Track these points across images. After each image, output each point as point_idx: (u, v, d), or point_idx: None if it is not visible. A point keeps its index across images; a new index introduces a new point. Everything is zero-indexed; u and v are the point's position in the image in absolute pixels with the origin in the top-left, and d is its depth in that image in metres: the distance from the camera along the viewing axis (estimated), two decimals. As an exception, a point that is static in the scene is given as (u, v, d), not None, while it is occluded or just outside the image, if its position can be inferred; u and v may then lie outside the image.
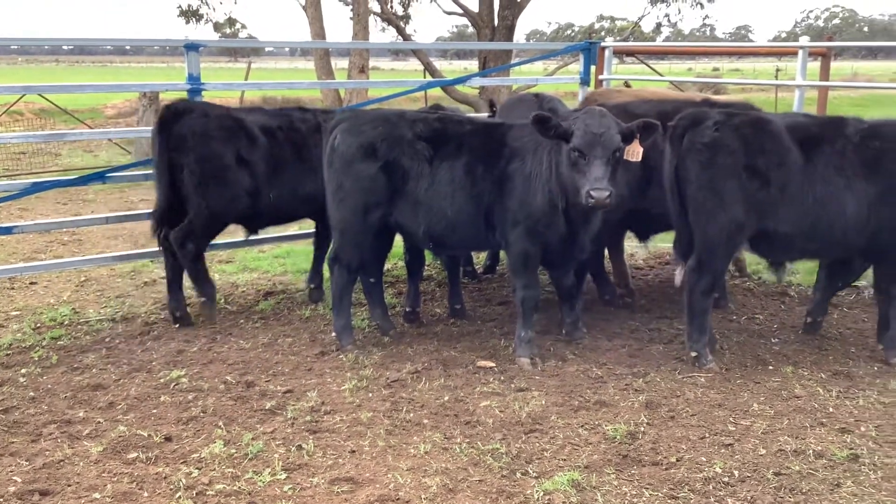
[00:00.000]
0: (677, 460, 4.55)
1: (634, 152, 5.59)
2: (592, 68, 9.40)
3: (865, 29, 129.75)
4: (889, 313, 5.94)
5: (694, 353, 5.89)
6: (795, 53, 8.77)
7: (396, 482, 4.31)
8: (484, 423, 5.02)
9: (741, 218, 5.68)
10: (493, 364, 5.94)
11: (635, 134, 5.54)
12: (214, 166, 6.57)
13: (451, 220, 5.96)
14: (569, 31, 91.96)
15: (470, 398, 5.38)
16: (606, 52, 9.24)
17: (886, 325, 5.97)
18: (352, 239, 6.10)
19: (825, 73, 10.73)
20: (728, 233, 5.71)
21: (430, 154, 5.91)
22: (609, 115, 5.54)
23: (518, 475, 4.40)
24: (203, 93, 7.54)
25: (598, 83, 9.26)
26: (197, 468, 4.45)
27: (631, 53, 11.98)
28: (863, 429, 4.90)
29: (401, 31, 20.18)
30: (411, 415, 5.12)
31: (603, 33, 51.58)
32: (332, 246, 6.30)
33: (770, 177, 5.62)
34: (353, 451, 4.66)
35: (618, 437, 4.79)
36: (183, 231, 6.61)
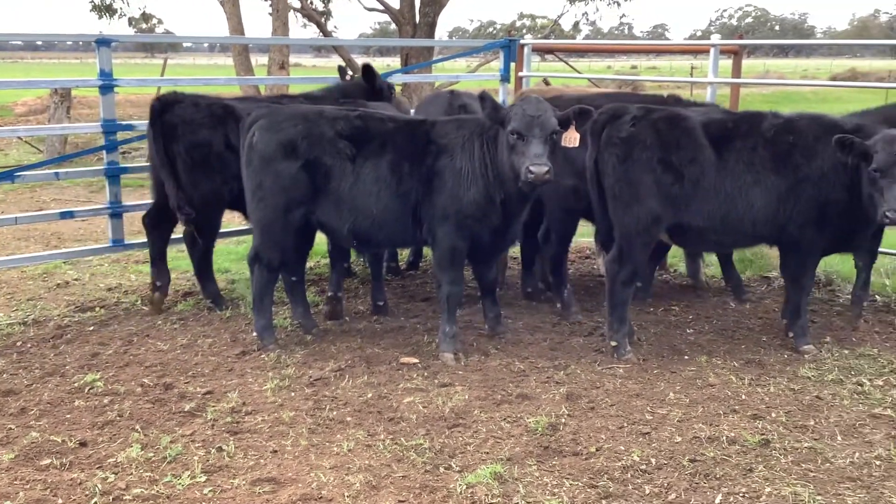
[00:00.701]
0: (597, 450, 4.63)
1: (571, 138, 5.73)
2: (512, 65, 9.47)
3: (777, 27, 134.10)
4: (798, 302, 6.16)
5: (613, 343, 6.02)
6: (708, 51, 8.98)
7: (319, 481, 4.29)
8: (407, 419, 5.02)
9: (657, 210, 5.83)
10: (416, 360, 5.95)
11: (571, 120, 5.67)
12: (204, 153, 6.73)
13: (376, 218, 5.94)
14: (491, 29, 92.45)
15: (393, 395, 5.38)
16: (525, 50, 9.31)
17: (796, 313, 6.18)
18: (272, 238, 6.03)
19: (737, 71, 11.04)
20: (644, 225, 5.86)
21: (352, 152, 5.88)
22: (545, 101, 5.65)
23: (441, 469, 4.42)
24: (116, 89, 7.40)
25: (518, 80, 9.34)
26: (113, 473, 4.35)
27: (550, 51, 12.12)
28: (774, 415, 5.07)
29: (321, 27, 20.05)
30: (334, 413, 5.09)
31: (524, 31, 52.06)
32: (252, 245, 6.21)
33: (683, 171, 5.78)
34: (275, 451, 4.61)
35: (539, 429, 4.85)
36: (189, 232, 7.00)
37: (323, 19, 22.11)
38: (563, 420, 5.00)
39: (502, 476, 4.32)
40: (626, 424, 4.95)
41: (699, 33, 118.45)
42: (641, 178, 5.82)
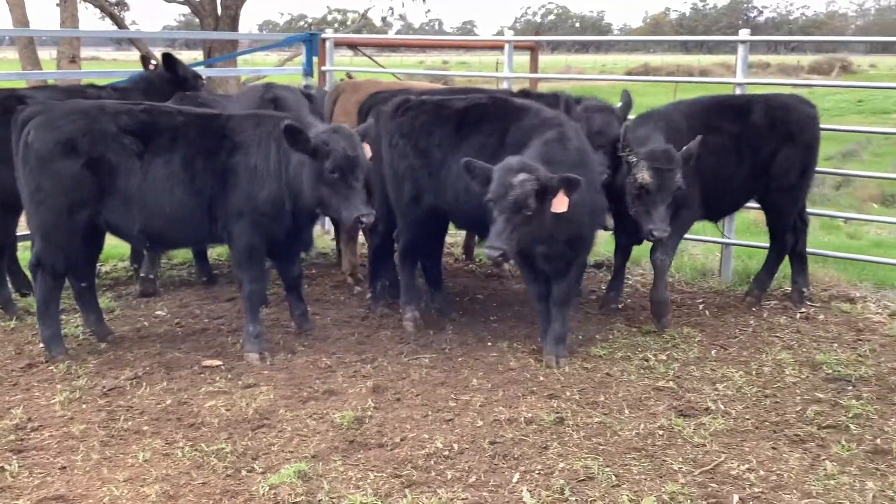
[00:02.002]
0: (402, 440, 4.69)
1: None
2: (315, 59, 9.41)
3: (577, 24, 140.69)
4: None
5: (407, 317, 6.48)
6: (507, 47, 9.27)
7: (112, 495, 4.08)
8: (209, 423, 4.88)
9: (413, 193, 6.30)
10: (219, 362, 5.79)
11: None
12: None
13: (169, 217, 5.70)
14: (301, 23, 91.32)
15: (194, 399, 5.21)
16: (328, 44, 9.28)
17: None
18: (56, 242, 5.63)
19: (534, 66, 11.52)
20: (405, 205, 6.37)
21: (139, 148, 5.59)
22: (356, 136, 5.65)
23: (244, 473, 4.33)
24: None
25: (321, 75, 9.29)
26: None
27: (352, 45, 12.14)
28: (568, 393, 5.33)
29: (115, 19, 19.02)
30: (129, 423, 4.86)
31: (336, 25, 51.76)
32: (32, 251, 5.79)
33: (431, 158, 6.18)
34: (64, 468, 4.35)
35: (345, 423, 4.85)
36: None
37: (118, 10, 20.99)
38: (370, 413, 5.02)
39: (306, 474, 4.29)
40: (430, 413, 5.04)
41: (505, 29, 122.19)
42: (401, 164, 6.28)
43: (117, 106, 5.78)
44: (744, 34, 7.36)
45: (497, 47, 10.02)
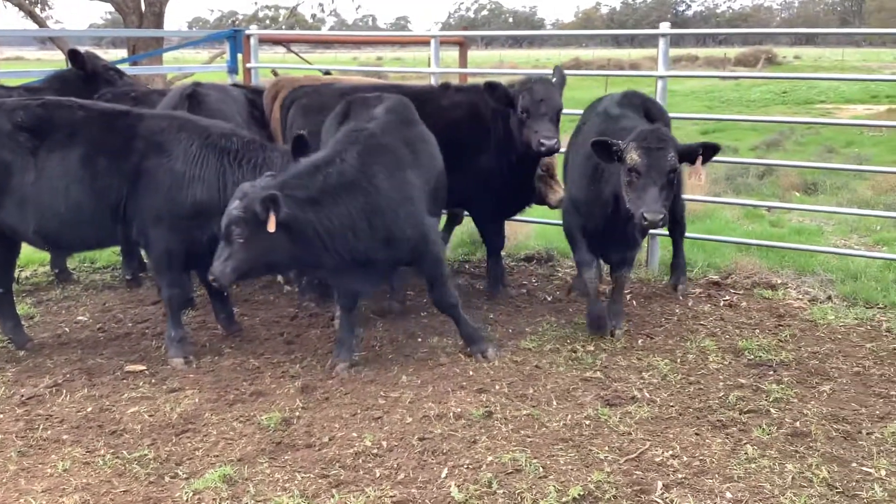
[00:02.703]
0: (330, 440, 4.66)
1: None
2: (240, 56, 9.27)
3: (510, 20, 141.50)
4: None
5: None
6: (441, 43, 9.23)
7: (29, 507, 3.97)
8: (131, 430, 4.78)
9: None
10: (143, 367, 5.67)
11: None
12: None
13: (66, 218, 5.48)
14: (233, 19, 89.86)
15: (117, 406, 5.09)
16: (252, 40, 9.14)
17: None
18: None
19: (463, 61, 11.52)
20: None
21: (33, 145, 5.38)
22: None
23: (167, 479, 4.25)
24: None
25: (247, 72, 9.15)
26: None
27: (277, 42, 12.00)
28: (497, 387, 5.35)
29: (35, 18, 18.44)
30: (49, 432, 4.73)
31: (268, 21, 51.07)
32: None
33: None
34: (-21, 481, 4.21)
35: (272, 425, 4.80)
36: None
37: (39, 9, 20.39)
38: (298, 414, 4.98)
39: (232, 478, 4.23)
40: (359, 411, 5.01)
41: (440, 25, 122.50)
42: None
43: (14, 103, 5.57)
44: (664, 28, 7.47)
45: (424, 43, 9.97)
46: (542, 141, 6.17)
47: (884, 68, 48.89)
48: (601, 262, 6.41)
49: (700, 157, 5.48)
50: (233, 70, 9.32)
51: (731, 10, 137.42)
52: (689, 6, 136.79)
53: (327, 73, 10.18)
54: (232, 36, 9.27)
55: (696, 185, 6.28)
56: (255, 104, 7.46)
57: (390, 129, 5.72)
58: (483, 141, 6.64)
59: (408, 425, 4.82)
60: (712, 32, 15.33)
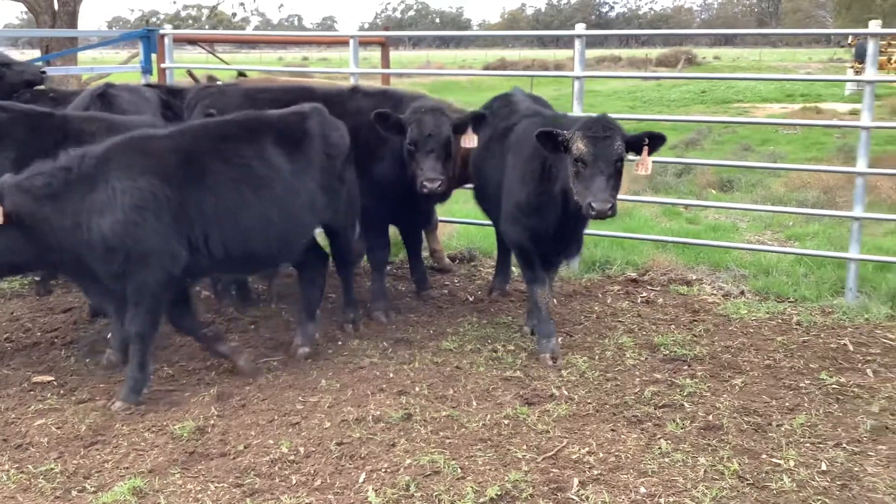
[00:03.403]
0: (245, 448, 4.57)
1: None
2: (154, 56, 9.05)
3: (437, 20, 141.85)
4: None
5: None
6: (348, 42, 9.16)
7: (-76, 529, 3.80)
8: (38, 443, 4.61)
9: None
10: (51, 378, 5.48)
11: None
12: None
13: None
14: (154, 19, 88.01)
15: (23, 419, 4.91)
16: (167, 40, 8.93)
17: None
18: None
19: (385, 61, 11.50)
20: None
21: None
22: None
23: (74, 493, 4.12)
24: None
25: (161, 72, 8.94)
26: None
27: (193, 41, 11.77)
28: (417, 389, 5.32)
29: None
30: (-51, 449, 4.54)
31: (190, 21, 50.13)
32: None
33: None
34: None
35: (185, 434, 4.68)
36: None
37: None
38: (213, 422, 4.87)
39: (142, 490, 4.11)
40: (276, 417, 4.93)
41: (367, 25, 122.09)
42: None
43: None
44: (580, 29, 7.55)
45: (343, 43, 9.89)
46: (424, 183, 5.94)
47: (799, 68, 50.56)
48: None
49: (646, 148, 5.47)
50: (147, 70, 9.10)
51: (652, 12, 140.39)
52: (612, 7, 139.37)
53: (190, 74, 9.95)
54: (145, 36, 9.04)
55: (642, 176, 6.22)
56: (169, 105, 7.28)
57: (181, 137, 5.37)
58: (384, 148, 6.44)
59: (326, 430, 4.76)
60: (627, 33, 15.74)
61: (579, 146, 5.18)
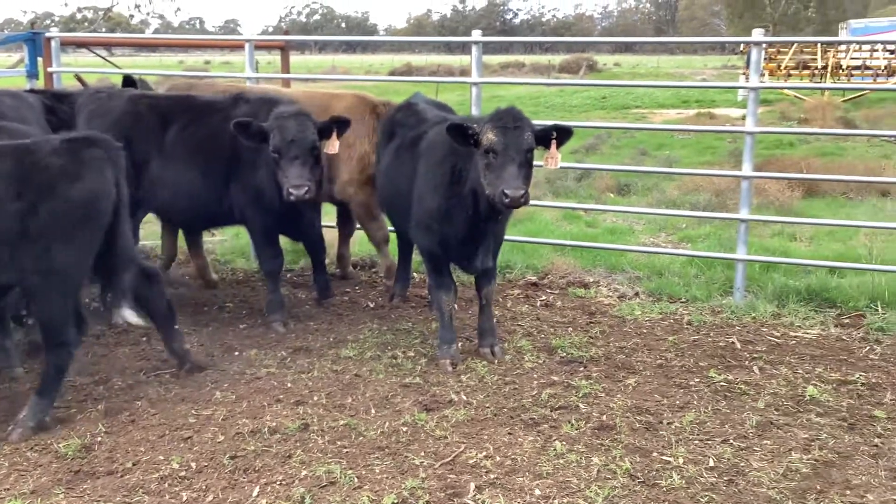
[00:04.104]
0: (134, 465, 4.42)
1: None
2: (41, 60, 8.71)
3: (343, 25, 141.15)
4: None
5: None
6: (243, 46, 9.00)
7: None
8: None
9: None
10: (-75, 398, 5.20)
11: None
12: None
13: None
14: (48, 21, 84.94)
15: None
16: (53, 44, 8.59)
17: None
18: None
19: (285, 66, 11.35)
20: None
21: None
22: None
23: (-53, 520, 3.91)
24: None
25: (48, 76, 8.60)
26: None
27: (82, 45, 11.38)
28: (315, 398, 5.26)
29: None
30: None
31: (86, 24, 48.56)
32: None
33: None
34: None
35: (70, 452, 4.50)
36: None
37: None
38: (100, 439, 4.70)
39: (22, 513, 3.94)
40: (167, 432, 4.79)
41: (271, 29, 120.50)
42: None
43: None
44: (476, 35, 7.62)
45: (239, 47, 9.72)
46: (290, 190, 5.85)
47: (695, 74, 52.36)
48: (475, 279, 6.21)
49: (554, 141, 5.49)
50: (32, 74, 8.75)
51: (555, 19, 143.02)
52: (517, 14, 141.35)
53: (78, 78, 9.54)
54: (30, 39, 8.68)
55: (550, 170, 6.18)
56: (53, 110, 7.00)
57: None
58: (261, 157, 6.29)
59: (219, 444, 4.65)
60: (523, 40, 16.03)
61: (490, 136, 5.18)
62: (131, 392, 5.35)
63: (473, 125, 5.30)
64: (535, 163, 5.41)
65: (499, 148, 5.16)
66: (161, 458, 4.49)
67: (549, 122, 5.73)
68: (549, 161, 5.61)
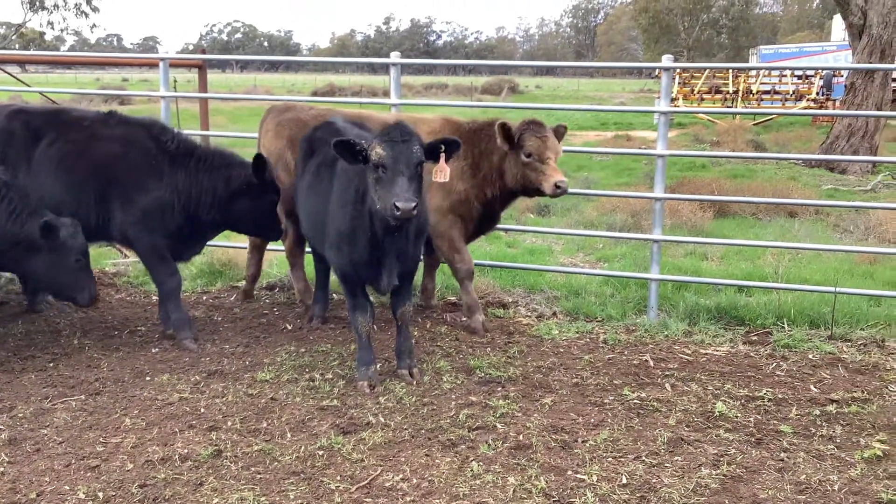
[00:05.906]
0: (38, 495, 4.27)
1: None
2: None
3: (266, 44, 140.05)
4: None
5: None
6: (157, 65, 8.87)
7: None
8: None
9: None
10: None
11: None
12: None
13: None
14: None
15: None
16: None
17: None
18: None
19: (203, 85, 11.22)
20: None
21: None
22: None
23: None
24: None
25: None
26: None
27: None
28: (230, 423, 5.16)
29: None
30: None
31: (4, 42, 47.09)
32: None
33: None
34: None
35: (-31, 485, 4.32)
36: None
37: None
38: (2, 469, 4.52)
39: (-87, 550, 3.75)
40: (74, 461, 4.64)
41: (191, 46, 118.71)
42: None
43: None
44: (394, 57, 7.66)
45: (154, 65, 9.56)
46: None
47: (613, 97, 53.57)
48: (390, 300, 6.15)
49: (443, 154, 5.47)
50: (-65, 91, 8.42)
51: (478, 42, 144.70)
52: (440, 36, 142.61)
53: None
54: (-68, 53, 8.37)
55: (441, 182, 6.07)
56: None
57: None
58: (142, 178, 6.37)
59: (128, 472, 4.52)
60: (443, 63, 16.18)
61: (378, 151, 5.15)
62: (36, 420, 5.16)
63: (361, 141, 5.28)
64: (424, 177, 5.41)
65: (388, 162, 5.14)
66: (67, 488, 4.34)
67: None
68: (438, 174, 5.58)
